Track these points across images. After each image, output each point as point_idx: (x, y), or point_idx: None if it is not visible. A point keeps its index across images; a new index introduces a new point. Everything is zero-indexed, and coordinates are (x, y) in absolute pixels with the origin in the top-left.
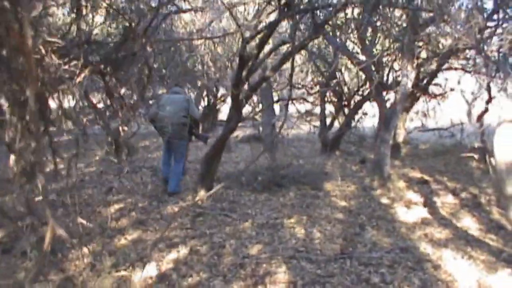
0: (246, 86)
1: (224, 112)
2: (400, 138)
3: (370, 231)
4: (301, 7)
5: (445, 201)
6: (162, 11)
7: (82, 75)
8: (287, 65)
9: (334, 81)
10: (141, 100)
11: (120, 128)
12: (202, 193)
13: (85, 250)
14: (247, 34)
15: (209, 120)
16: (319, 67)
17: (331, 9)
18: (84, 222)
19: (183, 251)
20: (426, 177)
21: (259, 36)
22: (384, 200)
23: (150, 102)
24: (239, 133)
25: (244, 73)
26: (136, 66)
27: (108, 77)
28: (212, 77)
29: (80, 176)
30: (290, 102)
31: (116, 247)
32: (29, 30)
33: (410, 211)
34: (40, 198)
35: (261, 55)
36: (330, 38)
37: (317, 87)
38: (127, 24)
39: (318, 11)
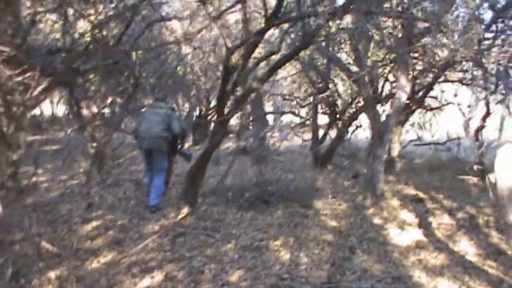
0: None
1: None
2: (395, 152)
3: (360, 256)
4: (290, 15)
5: (441, 222)
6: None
7: (41, 86)
8: (280, 75)
9: (327, 92)
10: (126, 111)
11: (90, 144)
12: (185, 210)
13: (51, 275)
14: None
15: (200, 131)
16: (312, 78)
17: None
18: (48, 245)
19: (158, 277)
20: (421, 195)
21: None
22: (377, 220)
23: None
24: (229, 145)
25: (229, 85)
26: (121, 75)
27: (76, 88)
28: (203, 87)
29: (61, 189)
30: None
31: (86, 271)
32: None
33: (403, 233)
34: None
35: (250, 65)
36: (322, 48)
37: (310, 99)
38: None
39: (308, 20)
